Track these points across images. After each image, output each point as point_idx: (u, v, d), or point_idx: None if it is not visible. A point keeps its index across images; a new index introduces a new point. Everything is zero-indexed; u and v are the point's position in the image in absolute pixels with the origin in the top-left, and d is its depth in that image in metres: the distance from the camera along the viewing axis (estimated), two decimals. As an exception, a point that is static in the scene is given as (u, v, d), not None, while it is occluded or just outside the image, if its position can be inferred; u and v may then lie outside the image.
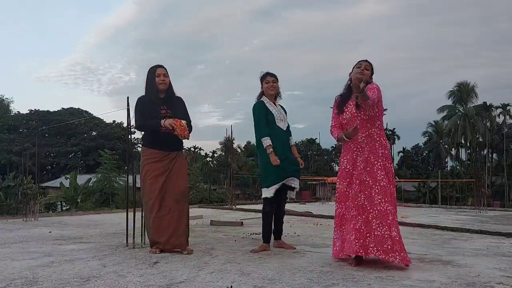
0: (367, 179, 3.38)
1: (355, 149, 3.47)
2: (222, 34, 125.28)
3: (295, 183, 4.03)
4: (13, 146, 47.43)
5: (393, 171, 3.66)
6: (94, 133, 53.93)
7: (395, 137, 60.47)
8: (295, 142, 4.52)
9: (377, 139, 3.46)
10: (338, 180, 3.59)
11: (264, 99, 4.15)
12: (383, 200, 3.28)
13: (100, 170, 22.16)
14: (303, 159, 4.27)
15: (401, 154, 64.79)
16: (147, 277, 2.91)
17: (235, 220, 6.48)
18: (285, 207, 4.33)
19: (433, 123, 50.16)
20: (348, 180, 3.48)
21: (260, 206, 11.53)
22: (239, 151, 59.44)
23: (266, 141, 3.91)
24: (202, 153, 60.82)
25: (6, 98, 57.56)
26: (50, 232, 5.42)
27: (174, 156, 3.91)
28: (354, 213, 3.33)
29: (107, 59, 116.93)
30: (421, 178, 49.77)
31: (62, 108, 56.24)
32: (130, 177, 4.59)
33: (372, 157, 3.41)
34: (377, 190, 3.32)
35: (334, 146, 59.58)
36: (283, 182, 3.94)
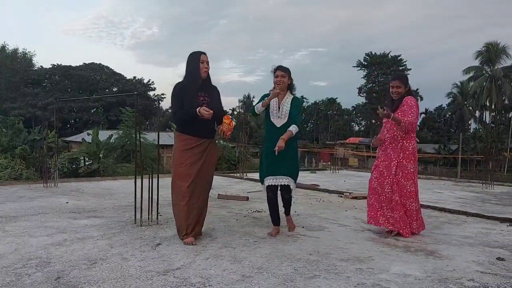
0: (384, 171, 4.23)
1: (382, 146, 4.34)
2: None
3: (282, 181, 4.09)
4: (37, 101, 48.63)
5: (412, 170, 4.24)
6: (115, 89, 54.66)
7: (418, 97, 59.14)
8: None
9: (400, 140, 4.21)
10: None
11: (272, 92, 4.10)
12: (393, 189, 4.17)
13: (121, 127, 22.79)
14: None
15: (423, 115, 63.50)
16: (147, 262, 3.21)
17: (241, 195, 6.77)
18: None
19: (459, 83, 48.78)
20: (374, 169, 4.37)
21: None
22: (258, 109, 59.38)
23: (257, 106, 4.15)
24: (222, 110, 61.08)
25: (28, 52, 58.12)
26: (67, 202, 5.83)
27: (208, 144, 3.94)
28: (376, 196, 4.28)
29: (130, 13, 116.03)
30: (442, 140, 49.19)
31: (84, 63, 56.84)
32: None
33: (391, 153, 4.22)
34: (389, 181, 4.19)
35: (354, 106, 58.79)
36: (270, 183, 4.10)
